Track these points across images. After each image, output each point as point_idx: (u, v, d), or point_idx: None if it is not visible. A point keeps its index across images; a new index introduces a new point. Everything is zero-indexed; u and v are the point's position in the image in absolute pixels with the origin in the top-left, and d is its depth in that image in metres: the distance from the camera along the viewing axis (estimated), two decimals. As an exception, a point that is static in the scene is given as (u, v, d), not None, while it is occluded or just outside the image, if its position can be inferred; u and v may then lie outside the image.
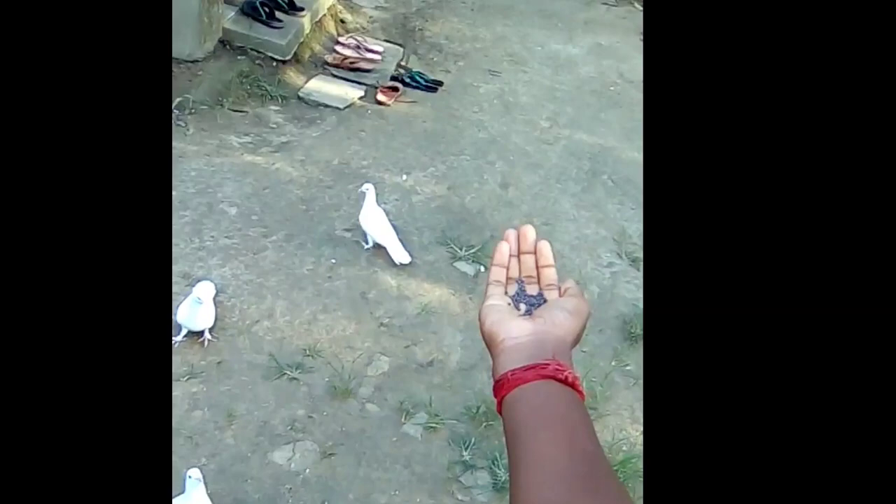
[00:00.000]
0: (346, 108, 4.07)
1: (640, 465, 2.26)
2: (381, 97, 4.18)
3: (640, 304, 3.18)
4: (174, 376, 2.46)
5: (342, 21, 4.88)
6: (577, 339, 0.76)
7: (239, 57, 4.09)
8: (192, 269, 2.86)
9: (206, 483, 2.04)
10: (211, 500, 2.05)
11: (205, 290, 2.55)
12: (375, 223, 3.06)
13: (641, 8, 6.00)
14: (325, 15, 4.68)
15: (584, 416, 0.69)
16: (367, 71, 4.36)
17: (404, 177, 3.62)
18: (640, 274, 3.35)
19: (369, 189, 3.05)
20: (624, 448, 2.55)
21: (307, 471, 2.31)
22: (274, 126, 3.85)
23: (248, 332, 2.69)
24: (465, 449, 2.45)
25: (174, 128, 3.60)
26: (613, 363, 2.87)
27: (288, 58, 4.20)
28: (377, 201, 3.10)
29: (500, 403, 0.71)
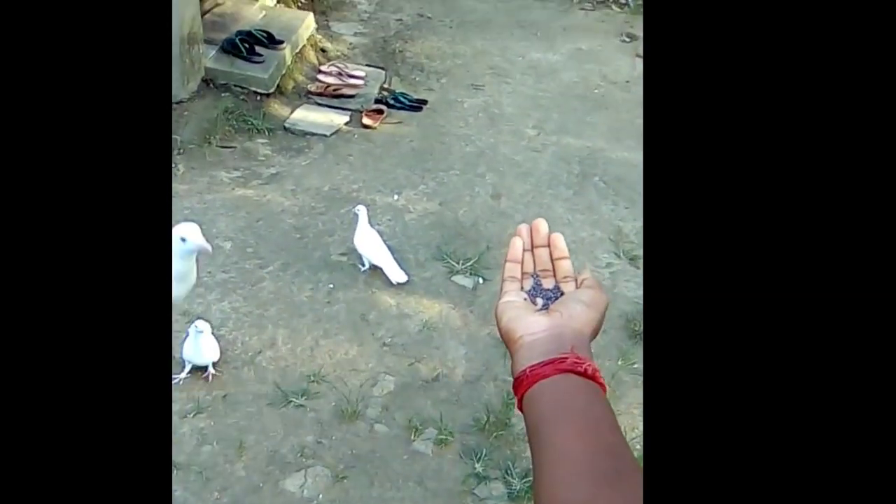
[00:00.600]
0: (332, 134, 4.10)
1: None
2: (366, 121, 4.20)
3: (642, 302, 3.17)
4: (180, 413, 2.46)
5: (323, 50, 4.92)
6: (595, 331, 0.75)
7: (223, 94, 4.12)
8: (192, 305, 2.87)
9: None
10: None
11: (202, 323, 2.56)
12: (370, 245, 3.07)
13: (619, 10, 6.05)
14: (305, 45, 4.72)
15: (605, 407, 0.68)
16: (351, 96, 4.40)
17: (395, 197, 3.63)
18: (640, 272, 3.35)
19: (361, 211, 3.06)
20: (637, 447, 2.53)
21: (320, 496, 2.30)
22: (262, 158, 3.87)
23: (252, 363, 2.69)
24: (478, 461, 2.44)
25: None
26: (620, 362, 2.87)
27: (271, 90, 4.23)
28: (370, 223, 3.11)
29: (520, 400, 0.71)
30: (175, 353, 2.62)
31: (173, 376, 2.57)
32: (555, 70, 5.07)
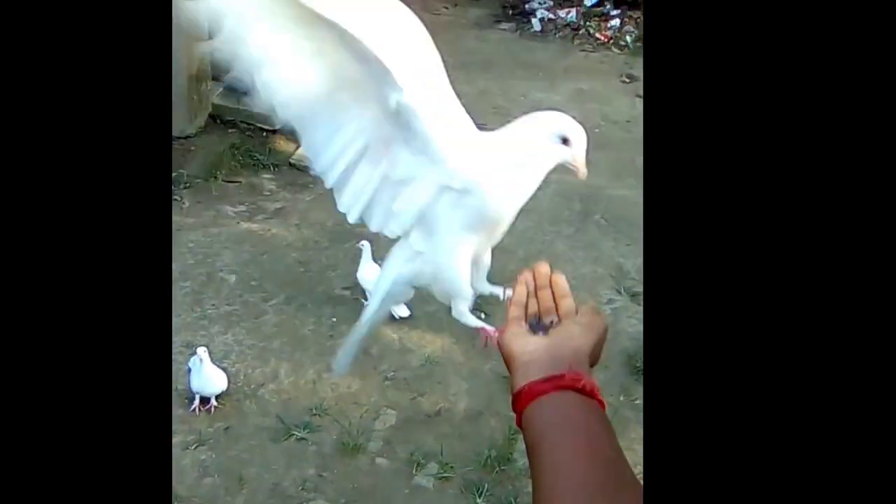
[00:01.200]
0: (337, 170, 4.14)
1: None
2: (371, 157, 4.25)
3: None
4: (182, 445, 2.46)
5: (328, 88, 5.00)
6: (595, 354, 0.77)
7: (230, 130, 4.19)
8: (195, 337, 2.88)
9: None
10: None
11: (201, 351, 2.57)
12: (374, 279, 3.08)
13: (618, 52, 6.15)
14: (311, 83, 4.80)
15: (604, 424, 0.69)
16: (356, 133, 4.45)
17: (399, 232, 3.66)
18: (641, 308, 3.37)
19: (366, 246, 3.09)
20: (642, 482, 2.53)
21: (321, 530, 2.29)
22: (268, 193, 3.91)
23: (254, 395, 2.70)
24: (479, 496, 2.43)
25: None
26: (622, 398, 2.87)
27: (277, 127, 4.28)
28: (374, 258, 3.13)
29: (519, 417, 0.72)
30: (180, 386, 2.63)
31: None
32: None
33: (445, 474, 2.48)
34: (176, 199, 3.70)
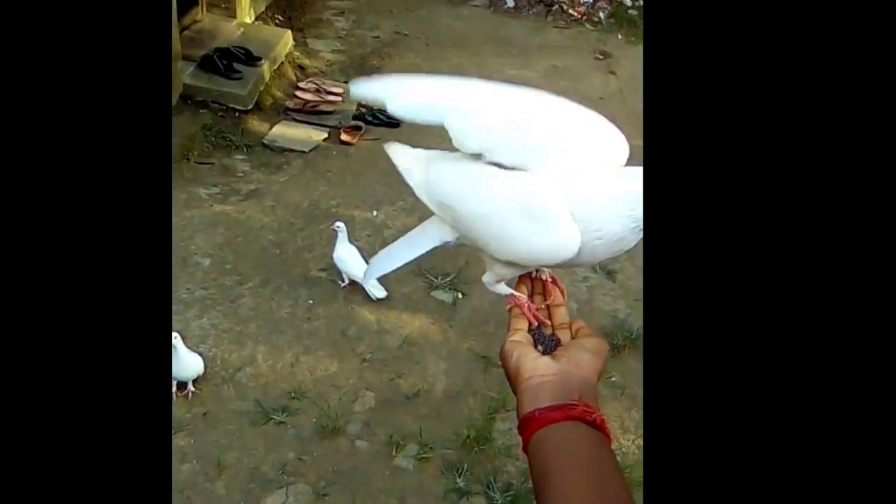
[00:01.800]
0: (311, 150, 4.11)
1: (635, 474, 2.27)
2: (344, 137, 4.22)
3: (619, 315, 3.21)
4: (160, 431, 2.45)
5: (301, 67, 4.94)
6: (598, 379, 0.76)
7: (201, 110, 4.12)
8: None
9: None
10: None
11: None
12: (349, 260, 3.08)
13: (592, 28, 6.14)
14: (283, 62, 4.74)
15: (612, 459, 0.69)
16: (329, 113, 4.41)
17: (374, 212, 3.65)
18: (616, 285, 3.39)
19: (341, 227, 3.07)
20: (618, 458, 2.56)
21: (302, 513, 2.30)
22: (241, 175, 3.87)
23: (232, 380, 2.68)
24: (459, 476, 2.44)
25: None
26: (598, 376, 2.89)
27: (249, 107, 4.24)
28: (349, 239, 3.12)
29: (526, 442, 0.71)
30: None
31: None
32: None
33: (425, 455, 2.50)
34: (147, 182, 3.65)
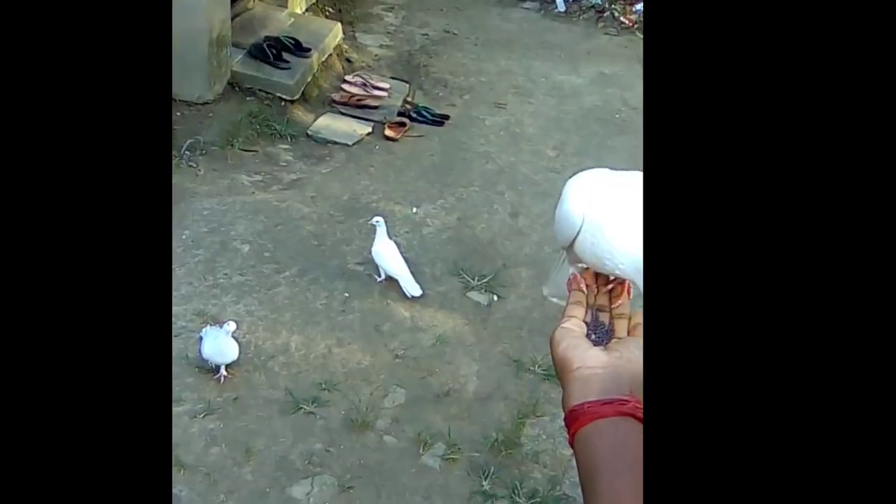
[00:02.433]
0: (354, 144, 4.12)
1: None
2: (388, 132, 4.22)
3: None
4: (190, 413, 2.46)
5: (348, 60, 4.96)
6: None
7: (248, 98, 4.15)
8: (207, 306, 2.88)
9: None
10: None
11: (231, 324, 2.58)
12: (387, 256, 3.07)
13: (642, 36, 6.08)
14: (331, 55, 4.76)
15: None
16: (374, 107, 4.42)
17: (414, 209, 3.64)
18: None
19: (380, 222, 3.07)
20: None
21: (326, 505, 2.30)
22: (284, 164, 3.89)
23: (264, 367, 2.69)
24: (485, 479, 2.42)
25: (186, 168, 3.65)
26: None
27: (296, 97, 4.26)
28: (388, 234, 3.12)
29: (572, 436, 0.69)
30: (191, 354, 2.63)
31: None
32: (577, 93, 5.09)
33: (452, 455, 2.48)
34: (191, 166, 3.68)
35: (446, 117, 4.49)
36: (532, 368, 2.82)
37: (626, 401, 0.68)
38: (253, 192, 3.62)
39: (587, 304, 0.78)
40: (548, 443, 2.56)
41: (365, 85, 4.58)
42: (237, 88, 4.17)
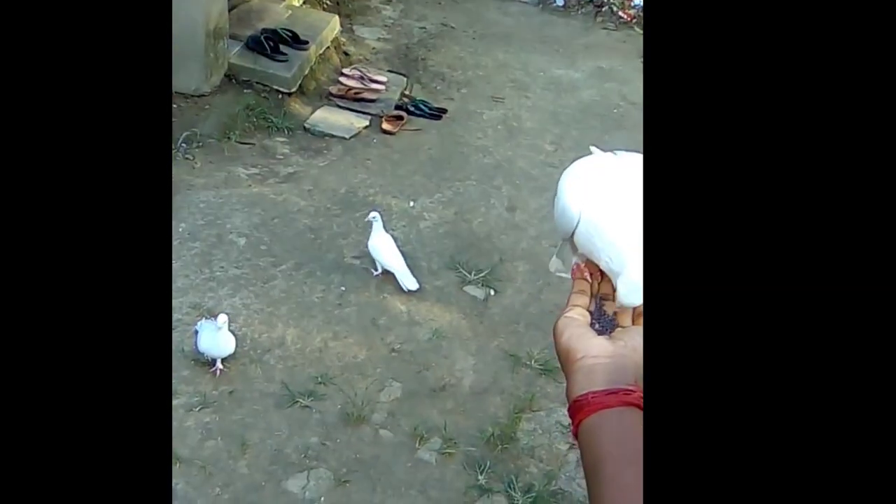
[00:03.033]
0: (351, 137, 4.11)
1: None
2: (385, 126, 4.21)
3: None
4: (186, 406, 2.46)
5: (346, 53, 4.94)
6: None
7: (245, 90, 4.14)
8: (203, 299, 2.87)
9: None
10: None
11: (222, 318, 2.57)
12: (384, 250, 3.07)
13: (640, 31, 6.06)
14: (328, 47, 4.74)
15: None
16: (372, 101, 4.41)
17: (411, 203, 3.63)
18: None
19: (377, 218, 3.06)
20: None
21: (322, 499, 2.29)
22: (281, 157, 3.88)
23: (260, 360, 2.69)
24: (481, 473, 2.42)
25: (182, 161, 3.63)
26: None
27: (293, 90, 4.24)
28: (385, 228, 3.11)
29: (576, 426, 0.68)
30: (186, 347, 2.62)
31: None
32: (575, 87, 5.08)
33: (448, 450, 2.48)
34: (188, 159, 3.67)
35: (444, 111, 4.48)
36: (528, 363, 2.82)
37: (631, 391, 0.66)
38: (249, 185, 3.61)
39: (591, 293, 0.77)
40: (544, 437, 2.56)
41: (362, 78, 4.57)
42: (234, 81, 4.15)
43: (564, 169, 0.81)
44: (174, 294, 2.81)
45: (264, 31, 4.32)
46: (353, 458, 2.42)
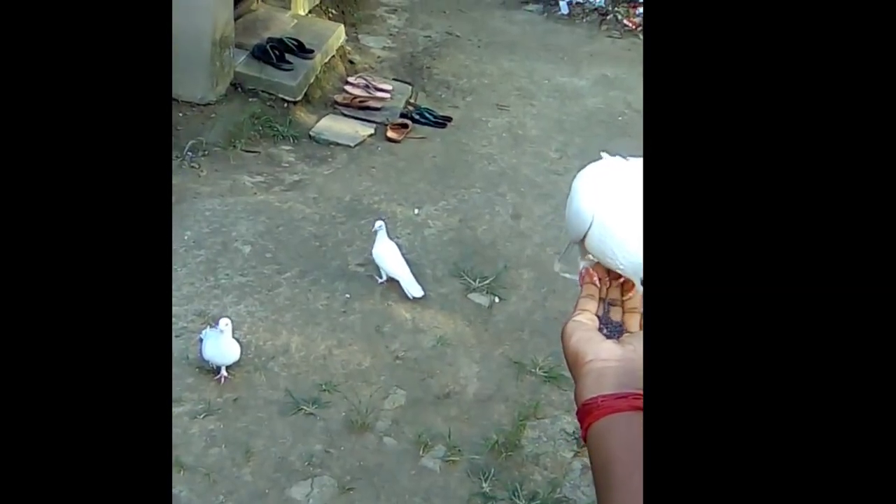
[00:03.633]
0: (356, 145, 4.12)
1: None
2: (390, 134, 4.22)
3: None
4: (190, 414, 2.46)
5: (351, 62, 4.96)
6: None
7: (251, 99, 4.15)
8: (208, 307, 2.88)
9: None
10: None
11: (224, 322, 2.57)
12: (389, 257, 3.07)
13: (646, 39, 6.08)
14: (334, 56, 4.76)
15: None
16: (377, 109, 4.42)
17: (416, 211, 3.64)
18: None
19: (381, 227, 3.07)
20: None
21: (326, 506, 2.29)
22: (286, 165, 3.89)
23: (264, 368, 2.69)
24: (485, 481, 2.42)
25: (188, 169, 3.65)
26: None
27: (298, 98, 4.26)
28: (389, 235, 3.11)
29: (585, 429, 0.68)
30: (191, 355, 2.62)
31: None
32: (580, 95, 5.08)
33: (452, 457, 2.48)
34: (194, 167, 3.69)
35: (449, 119, 4.49)
36: (533, 370, 2.82)
37: (641, 395, 0.66)
38: (255, 193, 3.62)
39: (599, 297, 0.77)
40: (548, 445, 2.56)
41: (367, 86, 4.58)
42: (240, 89, 4.16)
43: (569, 176, 0.81)
44: (179, 302, 2.82)
45: (270, 40, 4.34)
46: (356, 466, 2.41)
